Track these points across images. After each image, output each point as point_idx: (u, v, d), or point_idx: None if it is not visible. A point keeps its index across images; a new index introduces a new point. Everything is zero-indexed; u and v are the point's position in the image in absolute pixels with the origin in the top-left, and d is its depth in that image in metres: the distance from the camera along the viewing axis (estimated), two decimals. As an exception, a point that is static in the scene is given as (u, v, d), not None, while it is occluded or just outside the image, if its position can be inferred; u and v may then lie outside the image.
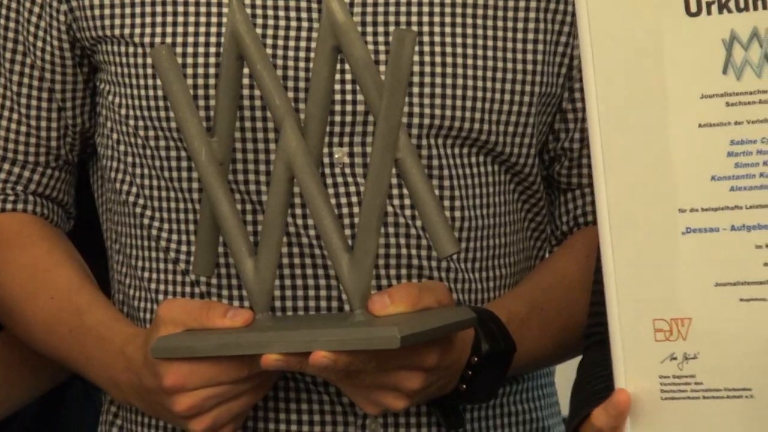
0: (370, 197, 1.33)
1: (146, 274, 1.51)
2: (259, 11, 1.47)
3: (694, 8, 1.14)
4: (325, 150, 1.41)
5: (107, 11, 1.50)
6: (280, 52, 1.46)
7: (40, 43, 1.56)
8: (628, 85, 1.18)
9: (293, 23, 1.47)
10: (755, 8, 1.12)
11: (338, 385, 1.39)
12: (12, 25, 1.58)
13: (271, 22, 1.47)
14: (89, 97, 1.59)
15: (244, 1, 1.46)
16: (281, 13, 1.47)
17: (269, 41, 1.45)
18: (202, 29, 1.48)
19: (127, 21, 1.50)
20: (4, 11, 1.58)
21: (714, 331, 1.17)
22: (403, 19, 1.45)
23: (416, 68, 1.44)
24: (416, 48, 1.41)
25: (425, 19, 1.45)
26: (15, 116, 1.58)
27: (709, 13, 1.14)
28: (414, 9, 1.45)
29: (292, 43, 1.47)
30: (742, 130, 1.14)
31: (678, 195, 1.17)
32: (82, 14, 1.52)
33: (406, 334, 1.27)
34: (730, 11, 1.12)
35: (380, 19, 1.45)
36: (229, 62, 1.37)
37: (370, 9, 1.44)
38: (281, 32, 1.47)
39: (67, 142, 1.58)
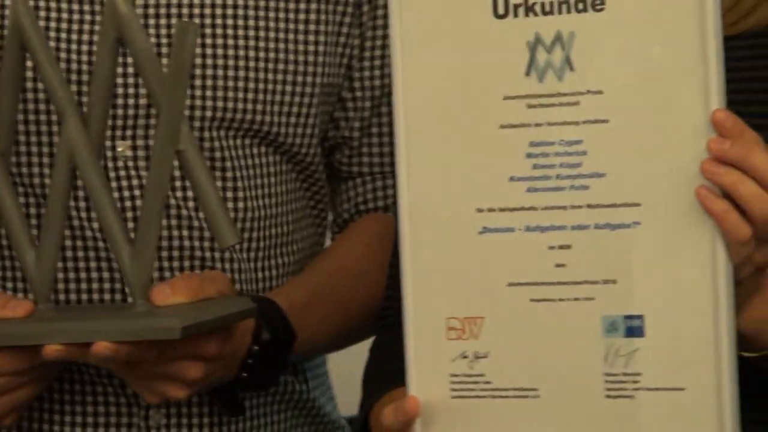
0: (151, 189, 1.34)
1: None
2: (41, 3, 1.46)
3: (501, 11, 1.15)
4: (108, 143, 1.42)
5: None
6: (63, 45, 1.46)
7: None
8: (435, 84, 1.19)
9: (76, 16, 1.46)
10: (559, 12, 1.13)
11: (120, 375, 1.39)
12: None
13: (53, 14, 1.46)
14: None
15: None
16: (64, 6, 1.46)
17: (52, 33, 1.45)
18: None
19: None
20: None
21: (505, 331, 1.18)
22: (185, 11, 1.45)
23: (198, 60, 1.44)
24: (198, 40, 1.41)
25: (207, 11, 1.45)
26: None
27: (515, 15, 1.14)
28: (196, 1, 1.45)
29: (75, 36, 1.47)
30: (541, 132, 1.15)
31: (477, 195, 1.17)
32: None
33: (187, 325, 1.28)
34: (535, 14, 1.13)
35: (162, 11, 1.45)
36: (11, 54, 1.36)
37: (152, 1, 1.44)
38: (64, 24, 1.47)
39: None
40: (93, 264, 1.46)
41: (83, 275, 1.46)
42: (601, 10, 1.13)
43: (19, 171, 1.46)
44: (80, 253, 1.45)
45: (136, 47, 1.32)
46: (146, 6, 1.44)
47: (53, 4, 1.47)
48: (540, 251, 1.16)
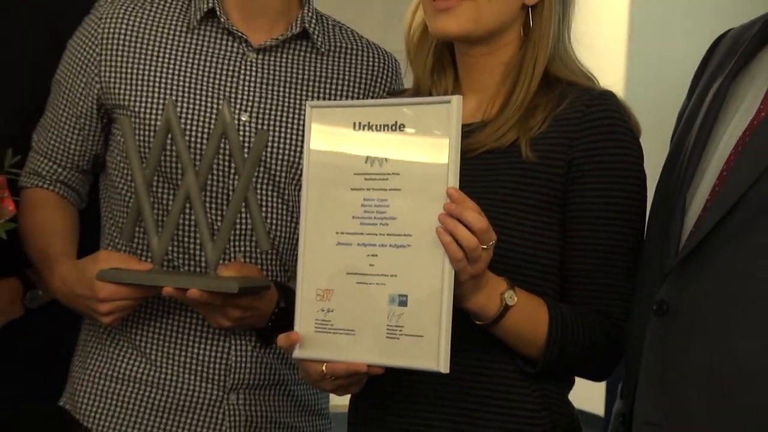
0: (229, 216, 1.66)
1: (118, 243, 1.81)
2: (183, 107, 1.76)
3: (357, 128, 1.49)
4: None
5: (117, 94, 1.79)
6: (191, 133, 1.76)
7: (79, 103, 1.82)
8: (326, 164, 1.51)
9: (202, 120, 1.77)
10: (384, 130, 1.47)
11: (198, 309, 1.71)
12: (66, 87, 1.83)
13: (192, 120, 1.77)
14: (102, 136, 1.84)
15: (175, 102, 1.76)
16: (193, 111, 1.77)
17: (187, 126, 1.76)
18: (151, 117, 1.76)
19: (123, 99, 1.78)
20: (64, 79, 1.83)
21: (342, 298, 1.48)
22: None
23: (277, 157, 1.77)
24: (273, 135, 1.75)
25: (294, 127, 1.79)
26: (59, 138, 1.84)
27: (363, 129, 1.48)
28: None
29: (198, 128, 1.77)
30: (369, 193, 1.46)
31: (337, 225, 1.49)
32: (106, 93, 1.80)
33: (242, 286, 1.61)
34: (372, 130, 1.48)
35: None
36: (161, 133, 1.69)
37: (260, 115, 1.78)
38: (197, 125, 1.77)
39: (85, 159, 1.85)
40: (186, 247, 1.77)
41: (184, 253, 1.76)
42: (403, 131, 1.45)
43: (172, 178, 1.74)
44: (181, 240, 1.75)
45: (231, 140, 1.65)
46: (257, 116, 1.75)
47: (187, 111, 1.75)
48: (363, 256, 1.46)
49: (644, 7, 5.75)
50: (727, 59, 1.57)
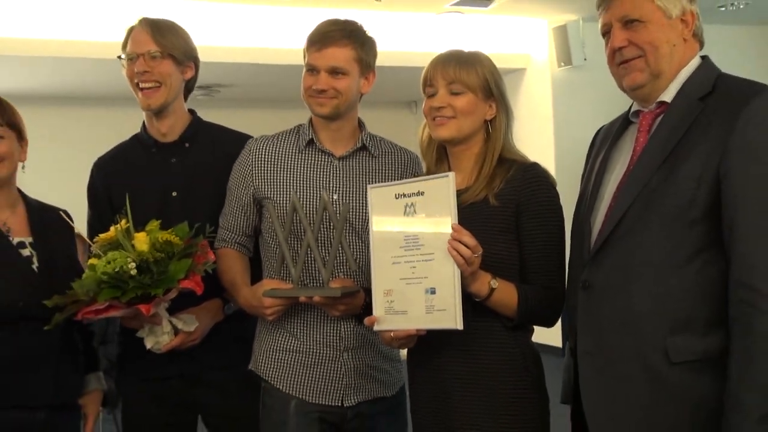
0: (332, 252, 1.81)
1: (272, 274, 1.92)
2: (300, 196, 1.88)
3: (397, 197, 1.63)
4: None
5: (263, 191, 1.91)
6: (307, 209, 1.87)
7: (243, 198, 1.95)
8: (381, 223, 1.65)
9: (312, 201, 1.88)
10: (413, 196, 1.59)
11: (321, 307, 1.84)
12: (235, 190, 1.96)
13: (302, 199, 1.87)
14: (258, 215, 1.96)
15: (296, 193, 1.88)
16: (305, 196, 1.88)
17: (304, 206, 1.88)
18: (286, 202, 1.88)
19: (267, 194, 1.90)
20: (233, 186, 1.94)
21: (398, 293, 1.62)
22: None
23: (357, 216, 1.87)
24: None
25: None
26: (233, 219, 1.96)
27: (400, 197, 1.63)
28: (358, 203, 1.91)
29: (311, 206, 1.87)
30: (407, 233, 1.61)
31: (391, 251, 1.64)
32: (257, 191, 1.93)
33: (343, 292, 1.78)
34: (405, 197, 1.61)
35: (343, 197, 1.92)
36: (291, 211, 1.86)
37: (339, 196, 1.89)
38: (306, 201, 1.88)
39: (249, 229, 1.98)
40: (312, 273, 1.90)
41: (309, 276, 1.87)
42: (423, 195, 1.60)
43: (298, 235, 1.84)
44: (309, 269, 1.87)
45: (329, 210, 1.82)
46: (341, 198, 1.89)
47: (303, 197, 1.86)
48: (408, 268, 1.62)
49: (562, 104, 6.20)
50: (605, 140, 1.74)
